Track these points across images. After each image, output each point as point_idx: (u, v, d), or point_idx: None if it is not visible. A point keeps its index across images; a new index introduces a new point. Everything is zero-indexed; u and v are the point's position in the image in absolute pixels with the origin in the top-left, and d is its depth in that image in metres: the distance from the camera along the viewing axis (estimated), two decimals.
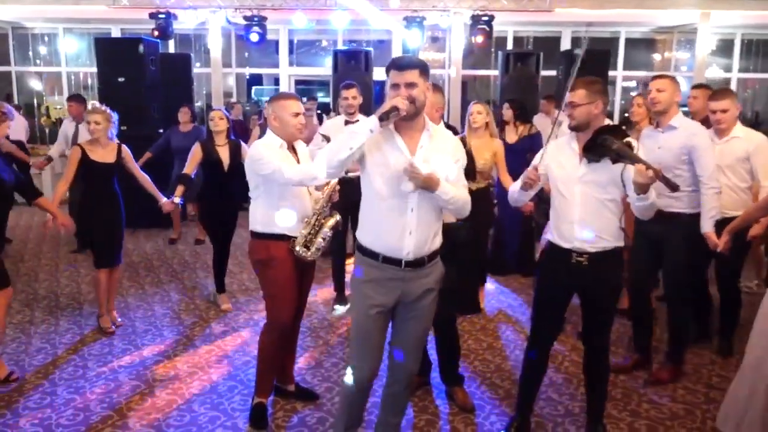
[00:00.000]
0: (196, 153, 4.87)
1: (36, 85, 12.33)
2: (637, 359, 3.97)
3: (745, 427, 2.87)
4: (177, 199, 4.69)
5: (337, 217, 3.34)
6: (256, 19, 9.58)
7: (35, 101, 12.18)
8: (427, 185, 2.44)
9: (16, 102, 10.91)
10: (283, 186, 3.14)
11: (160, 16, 9.47)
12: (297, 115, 3.21)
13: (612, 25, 11.15)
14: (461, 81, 10.82)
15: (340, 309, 4.98)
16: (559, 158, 2.96)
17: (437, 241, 2.65)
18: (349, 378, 2.69)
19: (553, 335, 3.14)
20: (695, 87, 4.74)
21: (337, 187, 3.34)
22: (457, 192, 2.57)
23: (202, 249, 7.01)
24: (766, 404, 2.80)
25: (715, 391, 3.69)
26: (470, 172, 3.66)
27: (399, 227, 2.52)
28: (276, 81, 12.36)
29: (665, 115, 3.59)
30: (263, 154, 3.10)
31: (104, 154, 4.41)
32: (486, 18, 9.46)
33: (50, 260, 6.54)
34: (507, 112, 5.83)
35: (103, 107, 4.49)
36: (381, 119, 2.41)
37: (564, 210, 2.90)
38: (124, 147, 4.53)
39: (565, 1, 9.84)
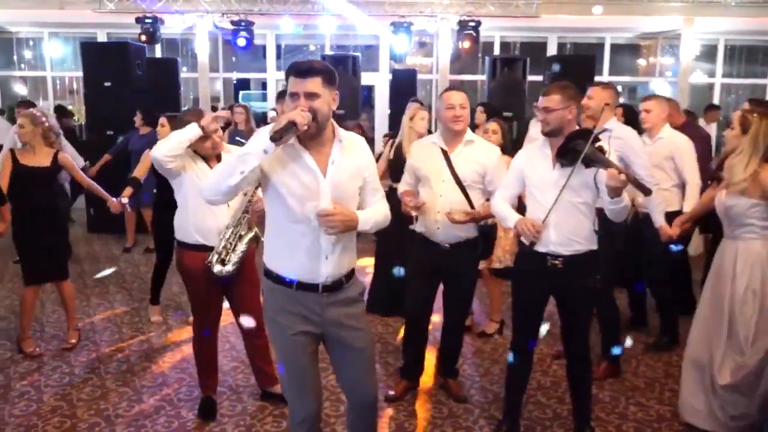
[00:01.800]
0: (146, 158, 4.71)
1: (20, 89, 12.22)
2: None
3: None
4: (124, 200, 4.53)
5: (255, 231, 3.17)
6: (243, 23, 9.57)
7: None
8: (347, 228, 2.25)
9: None
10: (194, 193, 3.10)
11: (147, 20, 9.44)
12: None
13: (597, 31, 11.24)
14: (448, 86, 10.87)
15: None
16: (534, 163, 3.00)
17: (353, 260, 2.45)
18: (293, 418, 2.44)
19: (533, 338, 3.16)
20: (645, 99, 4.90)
21: (258, 197, 3.06)
22: (375, 214, 2.40)
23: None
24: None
25: None
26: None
27: (314, 251, 2.27)
28: (263, 86, 12.33)
29: (600, 120, 3.64)
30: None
31: (37, 159, 4.15)
32: (473, 23, 9.52)
33: None
34: (480, 116, 5.82)
35: (32, 110, 4.31)
36: (273, 139, 2.09)
37: (539, 214, 2.92)
38: (62, 153, 4.31)
39: (552, 7, 9.93)
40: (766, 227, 3.06)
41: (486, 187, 3.42)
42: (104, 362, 4.13)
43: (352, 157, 2.34)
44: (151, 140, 6.54)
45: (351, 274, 2.44)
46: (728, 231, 3.15)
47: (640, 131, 4.68)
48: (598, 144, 2.75)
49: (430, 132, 4.54)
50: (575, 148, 2.74)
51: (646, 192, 2.67)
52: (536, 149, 3.04)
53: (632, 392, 3.75)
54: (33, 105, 6.94)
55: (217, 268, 3.11)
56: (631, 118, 5.92)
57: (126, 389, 3.74)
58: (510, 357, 3.20)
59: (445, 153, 3.40)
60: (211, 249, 3.14)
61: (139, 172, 4.81)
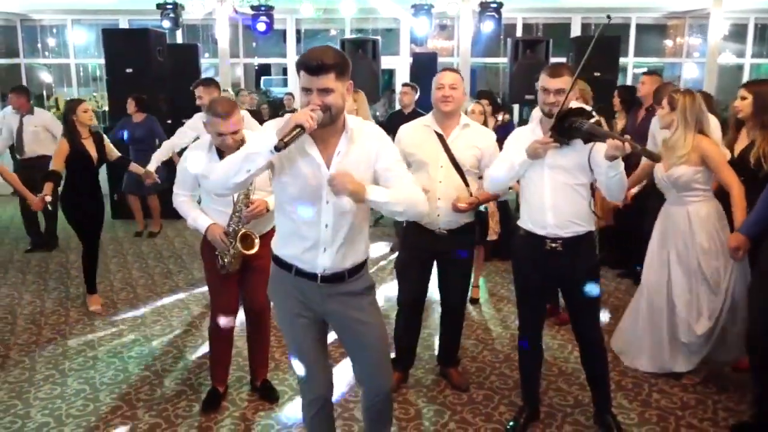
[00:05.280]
0: (62, 147, 4.51)
1: (45, 77, 12.36)
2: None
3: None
4: (47, 197, 4.37)
5: (241, 235, 3.10)
6: (263, 8, 9.55)
7: (44, 93, 12.21)
8: (354, 195, 2.11)
9: None
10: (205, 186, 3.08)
11: (168, 6, 9.47)
12: (221, 135, 2.99)
13: (623, 11, 11.00)
14: (470, 69, 10.74)
15: None
16: (525, 146, 2.89)
17: (360, 256, 2.37)
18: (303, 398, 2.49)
19: (539, 322, 3.13)
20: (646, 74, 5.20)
21: (249, 210, 3.07)
22: (395, 193, 2.21)
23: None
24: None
25: (728, 382, 3.66)
26: None
27: (312, 241, 2.25)
28: (284, 71, 12.33)
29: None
30: (184, 162, 3.19)
31: None
32: (494, 5, 9.37)
33: None
34: (486, 108, 5.84)
35: None
36: (277, 148, 2.01)
37: (535, 196, 2.87)
38: None
39: None
40: (707, 190, 3.48)
41: (481, 172, 3.35)
42: (126, 346, 4.18)
43: (360, 147, 2.24)
44: (148, 127, 6.67)
45: (357, 269, 2.36)
46: (674, 198, 3.55)
47: (640, 105, 4.91)
48: (594, 119, 2.69)
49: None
50: (573, 126, 2.67)
51: (656, 158, 2.70)
52: (527, 132, 2.97)
53: (655, 379, 3.68)
54: (26, 91, 6.80)
55: (221, 261, 3.16)
56: (627, 98, 5.81)
57: (148, 373, 3.79)
58: (520, 343, 3.17)
59: (441, 137, 3.31)
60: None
61: (56, 164, 4.49)
